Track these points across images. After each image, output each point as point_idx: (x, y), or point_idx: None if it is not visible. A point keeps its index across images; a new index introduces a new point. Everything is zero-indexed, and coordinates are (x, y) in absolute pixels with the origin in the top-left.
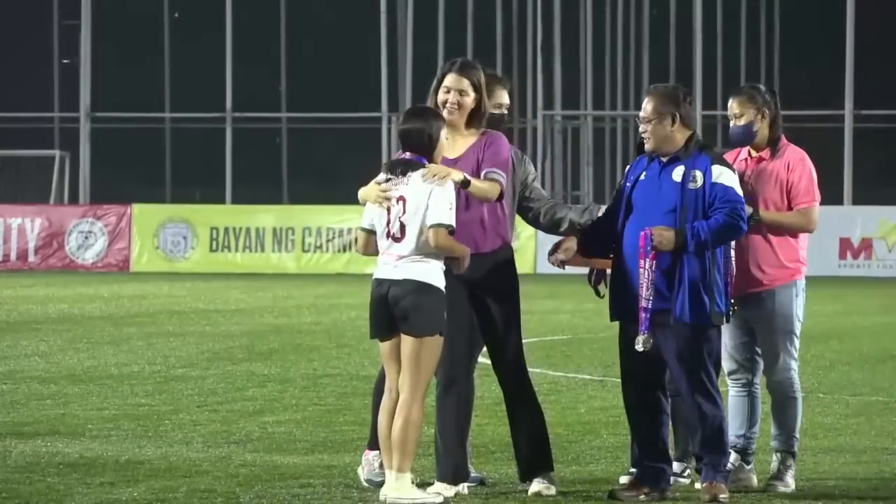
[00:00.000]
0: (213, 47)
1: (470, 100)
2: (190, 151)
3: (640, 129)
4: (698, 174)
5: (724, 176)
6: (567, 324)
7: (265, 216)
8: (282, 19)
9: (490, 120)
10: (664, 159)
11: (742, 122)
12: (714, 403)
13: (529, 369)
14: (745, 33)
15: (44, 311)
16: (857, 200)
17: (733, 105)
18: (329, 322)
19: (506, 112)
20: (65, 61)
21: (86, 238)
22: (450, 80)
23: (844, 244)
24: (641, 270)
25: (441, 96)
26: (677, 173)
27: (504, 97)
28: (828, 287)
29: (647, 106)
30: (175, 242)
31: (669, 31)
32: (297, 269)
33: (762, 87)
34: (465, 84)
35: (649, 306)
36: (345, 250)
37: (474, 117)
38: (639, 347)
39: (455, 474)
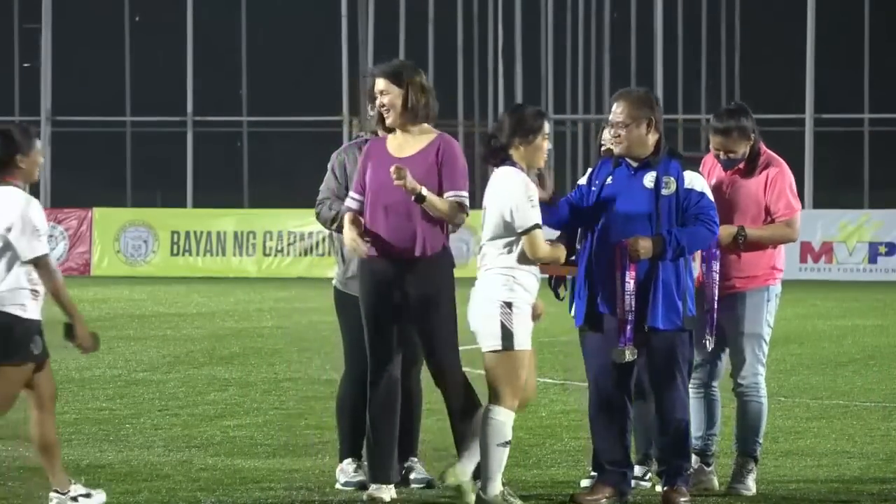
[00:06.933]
0: (173, 51)
1: (393, 97)
2: (151, 155)
3: (612, 134)
4: (671, 180)
5: (697, 182)
6: None
7: (226, 220)
8: (243, 23)
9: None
10: (634, 164)
11: (734, 155)
12: (684, 408)
13: None
14: (706, 37)
15: None
16: (817, 204)
17: (727, 144)
18: (290, 326)
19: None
20: (25, 65)
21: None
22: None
23: (805, 248)
24: (619, 283)
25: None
26: (649, 179)
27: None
28: (788, 291)
29: (620, 110)
30: (136, 246)
31: (630, 35)
32: (258, 273)
33: (746, 114)
34: (384, 84)
35: (631, 318)
36: (305, 254)
37: (408, 114)
38: (624, 359)
39: (386, 474)
